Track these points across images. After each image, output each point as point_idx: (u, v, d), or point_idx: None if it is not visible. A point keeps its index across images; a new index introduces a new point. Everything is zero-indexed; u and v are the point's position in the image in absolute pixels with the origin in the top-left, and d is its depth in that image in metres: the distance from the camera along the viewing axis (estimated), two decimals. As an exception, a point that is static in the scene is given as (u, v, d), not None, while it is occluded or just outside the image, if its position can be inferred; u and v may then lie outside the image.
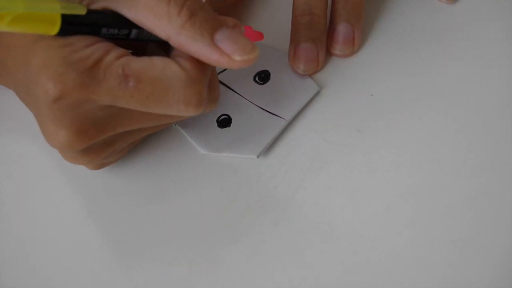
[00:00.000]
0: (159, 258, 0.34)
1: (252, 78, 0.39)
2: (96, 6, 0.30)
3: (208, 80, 0.31)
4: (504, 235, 0.33)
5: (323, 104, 0.38)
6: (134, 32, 0.30)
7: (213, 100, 0.33)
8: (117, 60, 0.29)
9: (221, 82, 0.39)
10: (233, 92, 0.39)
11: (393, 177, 0.35)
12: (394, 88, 0.38)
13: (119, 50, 0.29)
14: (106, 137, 0.31)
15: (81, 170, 0.36)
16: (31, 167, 0.37)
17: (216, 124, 0.38)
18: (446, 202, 0.34)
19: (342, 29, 0.39)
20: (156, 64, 0.30)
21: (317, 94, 0.39)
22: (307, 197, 0.35)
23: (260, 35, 0.38)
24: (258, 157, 0.37)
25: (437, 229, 0.34)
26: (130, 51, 0.30)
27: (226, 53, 0.30)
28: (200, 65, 0.31)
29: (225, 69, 0.39)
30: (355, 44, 0.40)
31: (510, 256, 0.32)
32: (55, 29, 0.28)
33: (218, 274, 0.33)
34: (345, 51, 0.40)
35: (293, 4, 0.40)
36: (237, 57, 0.31)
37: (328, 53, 0.40)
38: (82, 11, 0.29)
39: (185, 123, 0.38)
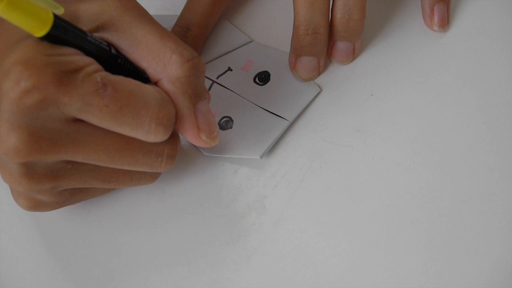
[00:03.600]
0: (158, 258, 0.34)
1: (252, 79, 0.39)
2: (96, 34, 0.30)
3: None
4: (504, 235, 0.33)
5: (323, 104, 0.38)
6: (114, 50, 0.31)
7: (170, 156, 0.32)
8: (97, 72, 0.29)
9: (220, 85, 0.39)
10: (233, 93, 0.39)
11: (393, 177, 0.35)
12: (394, 88, 0.38)
13: (100, 66, 0.30)
14: (53, 164, 0.30)
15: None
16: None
17: (218, 127, 0.38)
18: (446, 202, 0.34)
19: (342, 47, 0.39)
20: (133, 80, 0.30)
21: (318, 94, 0.39)
22: (307, 197, 0.35)
23: None
24: (261, 157, 0.37)
25: (437, 229, 0.33)
26: None
27: (198, 126, 0.32)
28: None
29: (224, 72, 0.40)
30: (354, 55, 0.39)
31: (510, 256, 0.32)
32: (45, 28, 0.27)
33: (218, 273, 0.34)
34: (344, 64, 0.40)
35: (294, 20, 0.37)
36: (203, 137, 0.32)
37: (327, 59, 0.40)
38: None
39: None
